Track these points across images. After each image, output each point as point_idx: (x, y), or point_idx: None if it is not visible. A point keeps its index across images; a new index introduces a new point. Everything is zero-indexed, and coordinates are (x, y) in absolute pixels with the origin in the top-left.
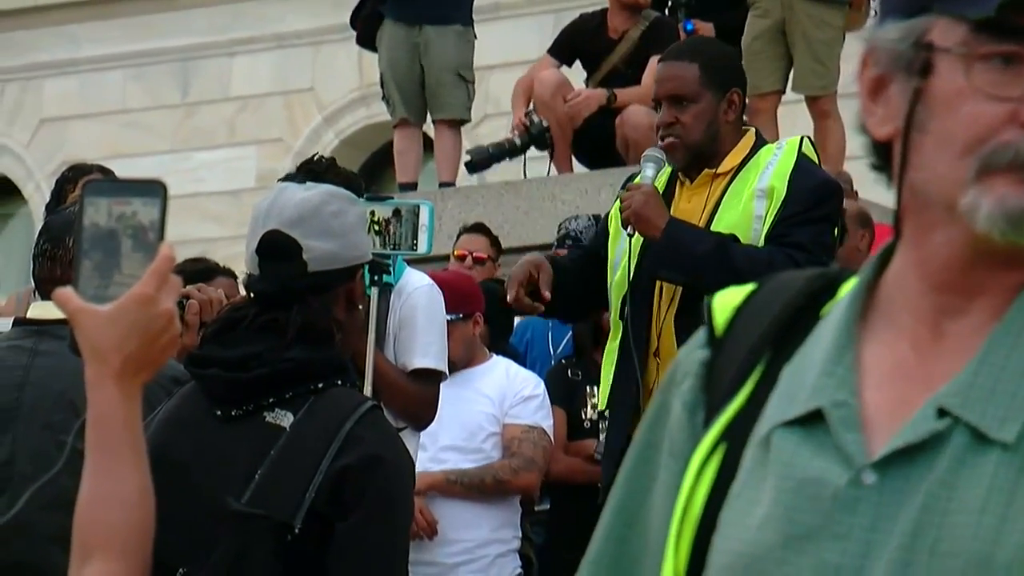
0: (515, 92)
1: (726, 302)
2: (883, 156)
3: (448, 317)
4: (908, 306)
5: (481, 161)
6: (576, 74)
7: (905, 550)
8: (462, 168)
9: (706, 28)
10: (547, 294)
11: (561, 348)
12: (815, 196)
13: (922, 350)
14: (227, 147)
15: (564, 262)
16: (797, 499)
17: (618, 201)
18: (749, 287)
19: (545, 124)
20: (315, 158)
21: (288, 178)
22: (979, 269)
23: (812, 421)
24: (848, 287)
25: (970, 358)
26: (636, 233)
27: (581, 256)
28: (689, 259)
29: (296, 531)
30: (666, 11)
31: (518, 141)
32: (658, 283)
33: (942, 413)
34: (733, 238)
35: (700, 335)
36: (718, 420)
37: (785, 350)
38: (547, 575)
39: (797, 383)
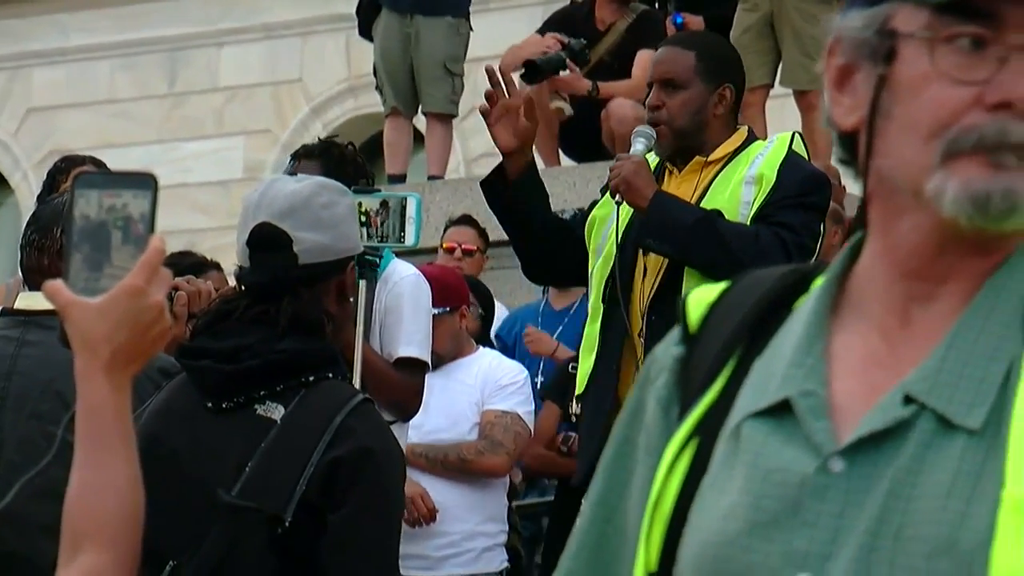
0: (506, 59)
1: (700, 299)
2: (850, 148)
3: (434, 311)
4: (877, 295)
5: (544, 70)
6: None
7: (871, 535)
8: (451, 162)
9: (696, 21)
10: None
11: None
12: (805, 185)
13: (891, 338)
14: (215, 138)
15: (553, 215)
16: (764, 487)
17: (606, 195)
18: (722, 285)
19: (584, 41)
20: (334, 137)
21: (304, 150)
22: (947, 255)
23: (781, 411)
24: (820, 281)
25: (938, 344)
26: (623, 202)
27: (560, 222)
28: (676, 230)
29: (287, 523)
30: (655, 4)
31: (563, 54)
32: (640, 264)
33: (908, 400)
34: (718, 213)
35: (675, 332)
36: (691, 415)
37: (758, 344)
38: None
39: (767, 375)
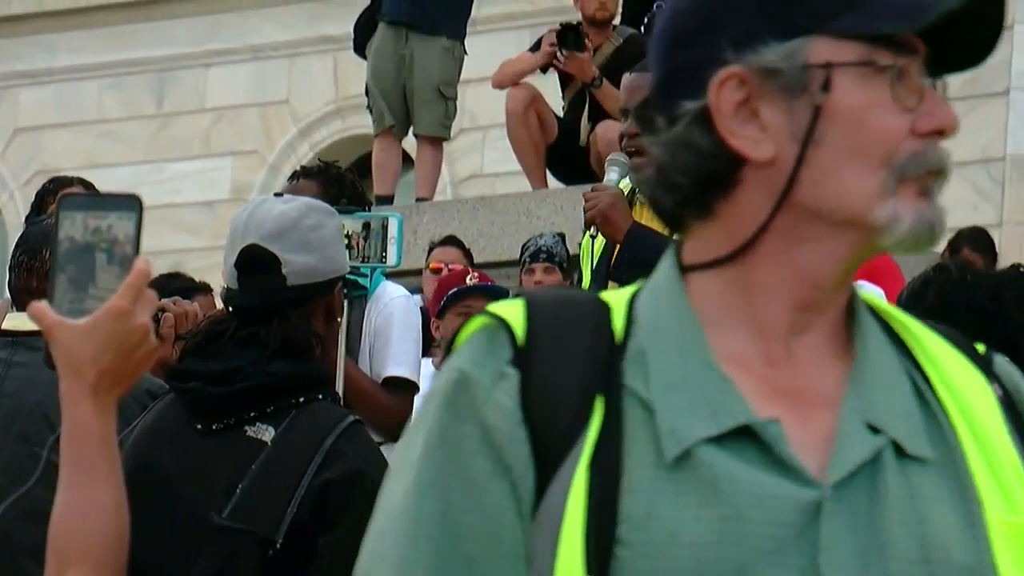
0: (498, 76)
1: (512, 314)
2: (711, 188)
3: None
4: (751, 324)
5: (581, 39)
6: (549, 85)
7: (899, 561)
8: (440, 183)
9: None
10: None
11: None
12: None
13: (779, 367)
14: (202, 158)
15: None
16: (761, 513)
17: (586, 243)
18: (518, 303)
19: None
20: (335, 162)
21: (302, 171)
22: (834, 287)
23: (731, 438)
24: (618, 302)
25: (829, 374)
26: (599, 235)
27: None
28: (652, 264)
29: (278, 546)
30: (642, 28)
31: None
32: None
33: (874, 430)
34: None
35: (496, 348)
36: (583, 447)
37: (613, 377)
38: None
39: (692, 401)
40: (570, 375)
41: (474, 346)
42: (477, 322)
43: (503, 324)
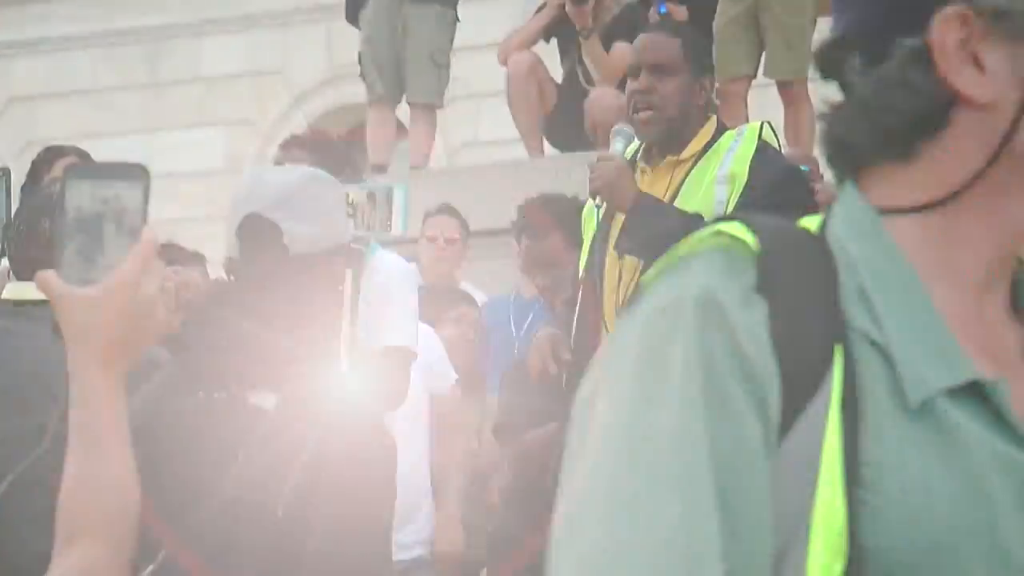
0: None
1: (744, 235)
2: (919, 129)
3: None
4: (948, 275)
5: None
6: (551, 55)
7: None
8: (434, 152)
9: (680, 11)
10: (567, 356)
11: (524, 331)
12: (778, 182)
13: (972, 323)
14: (196, 128)
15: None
16: (997, 474)
17: (588, 212)
18: (740, 225)
19: None
20: (325, 131)
21: (293, 139)
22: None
23: (957, 392)
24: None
25: (1011, 335)
26: (604, 205)
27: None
28: (658, 235)
29: (279, 514)
30: None
31: None
32: (616, 268)
33: None
34: (699, 216)
35: (736, 271)
36: (831, 388)
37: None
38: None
39: (923, 349)
40: (811, 310)
41: (712, 264)
42: (706, 239)
43: (740, 245)
